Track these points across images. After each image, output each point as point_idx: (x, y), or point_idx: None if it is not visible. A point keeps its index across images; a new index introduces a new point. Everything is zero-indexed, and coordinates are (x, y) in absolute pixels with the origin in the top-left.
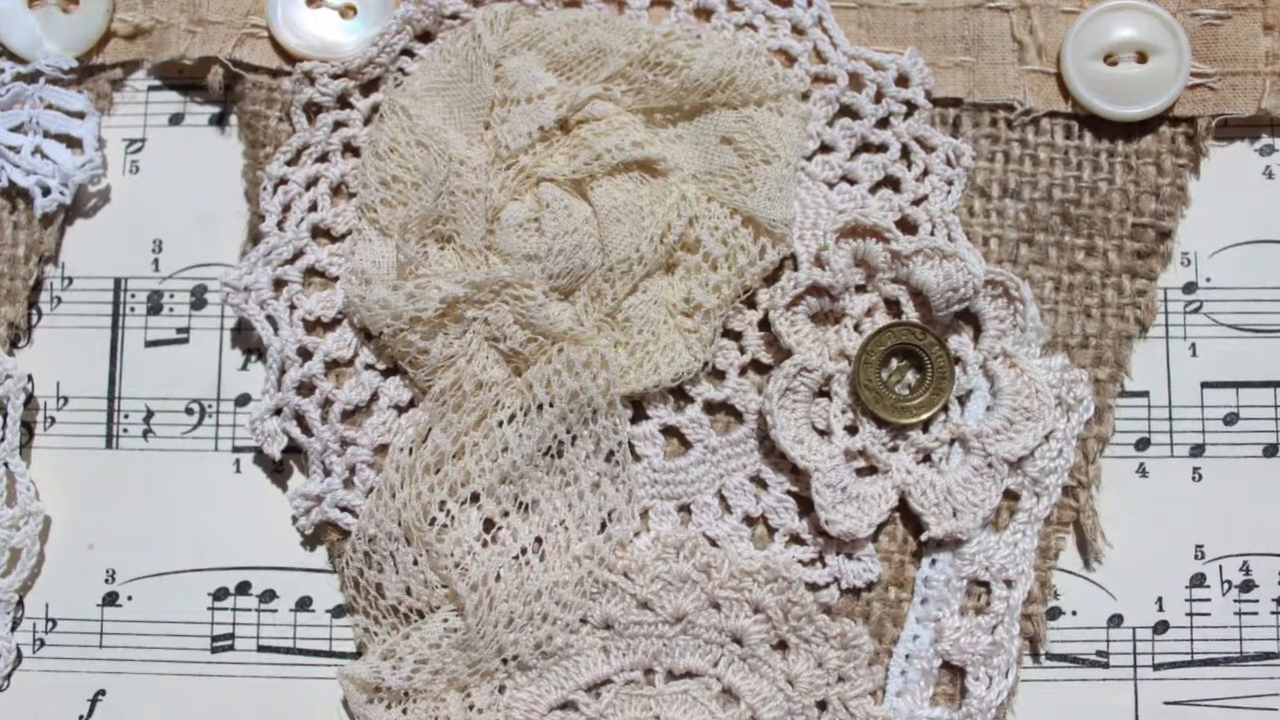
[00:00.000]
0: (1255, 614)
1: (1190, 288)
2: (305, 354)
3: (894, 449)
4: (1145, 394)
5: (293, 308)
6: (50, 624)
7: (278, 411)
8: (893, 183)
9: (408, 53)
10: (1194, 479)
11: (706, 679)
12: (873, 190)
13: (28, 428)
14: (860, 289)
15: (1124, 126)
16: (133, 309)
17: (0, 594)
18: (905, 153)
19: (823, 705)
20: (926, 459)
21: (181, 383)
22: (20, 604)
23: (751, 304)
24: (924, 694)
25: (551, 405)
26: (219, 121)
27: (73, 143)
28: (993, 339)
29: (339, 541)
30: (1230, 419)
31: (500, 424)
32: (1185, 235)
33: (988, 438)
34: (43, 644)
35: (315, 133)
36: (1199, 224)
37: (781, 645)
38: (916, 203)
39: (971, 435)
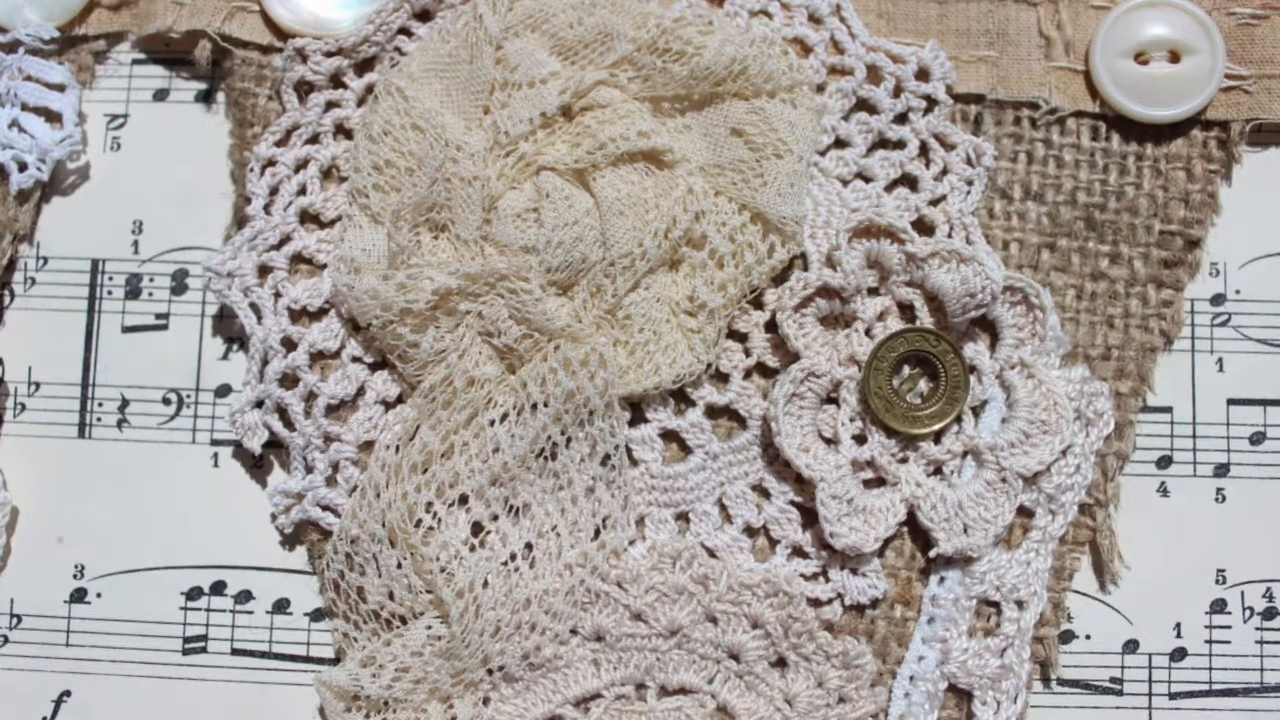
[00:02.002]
0: (1277, 643)
1: (1218, 299)
2: (289, 344)
3: (904, 460)
4: (1168, 410)
5: (278, 296)
6: (14, 620)
7: (259, 404)
8: (910, 181)
9: (405, 32)
10: (1217, 500)
11: (701, 696)
12: (888, 188)
13: None
14: (873, 292)
15: (1153, 129)
16: (110, 292)
17: None
18: (924, 150)
19: None
20: (937, 472)
21: (159, 371)
22: None
23: (758, 304)
24: (928, 717)
25: (546, 405)
26: (205, 98)
27: (52, 116)
28: (1010, 348)
29: (320, 542)
30: (1257, 438)
31: (492, 423)
32: (1214, 244)
33: (1002, 451)
34: (6, 641)
35: (306, 113)
36: (1229, 233)
37: (780, 663)
38: (934, 203)
39: (985, 448)
